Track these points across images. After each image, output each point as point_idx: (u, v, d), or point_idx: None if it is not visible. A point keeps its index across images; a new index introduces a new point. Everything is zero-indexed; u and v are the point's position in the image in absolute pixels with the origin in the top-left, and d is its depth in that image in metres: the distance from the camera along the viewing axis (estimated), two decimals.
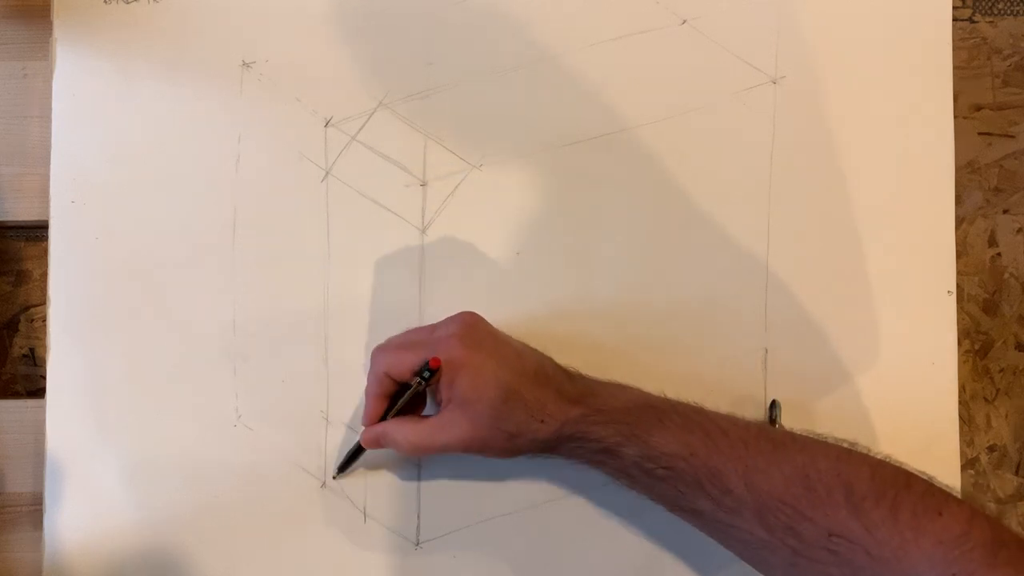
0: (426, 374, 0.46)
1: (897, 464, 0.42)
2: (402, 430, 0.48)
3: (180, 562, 0.52)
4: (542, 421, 0.46)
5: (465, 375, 0.46)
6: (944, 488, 0.41)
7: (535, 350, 0.49)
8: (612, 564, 0.53)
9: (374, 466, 0.53)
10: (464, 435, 0.46)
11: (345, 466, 0.52)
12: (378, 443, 0.49)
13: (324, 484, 0.53)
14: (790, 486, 0.41)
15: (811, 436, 0.45)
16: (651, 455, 0.44)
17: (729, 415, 0.46)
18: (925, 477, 0.42)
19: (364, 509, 0.53)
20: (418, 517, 0.53)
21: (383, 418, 0.49)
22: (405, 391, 0.48)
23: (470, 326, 0.48)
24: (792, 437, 0.44)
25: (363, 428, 0.50)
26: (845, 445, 0.44)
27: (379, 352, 0.49)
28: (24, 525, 0.54)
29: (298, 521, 0.53)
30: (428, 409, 0.51)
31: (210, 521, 0.53)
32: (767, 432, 0.45)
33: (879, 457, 0.43)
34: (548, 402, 0.46)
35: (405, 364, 0.47)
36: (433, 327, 0.50)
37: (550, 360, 0.49)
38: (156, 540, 0.53)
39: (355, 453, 0.52)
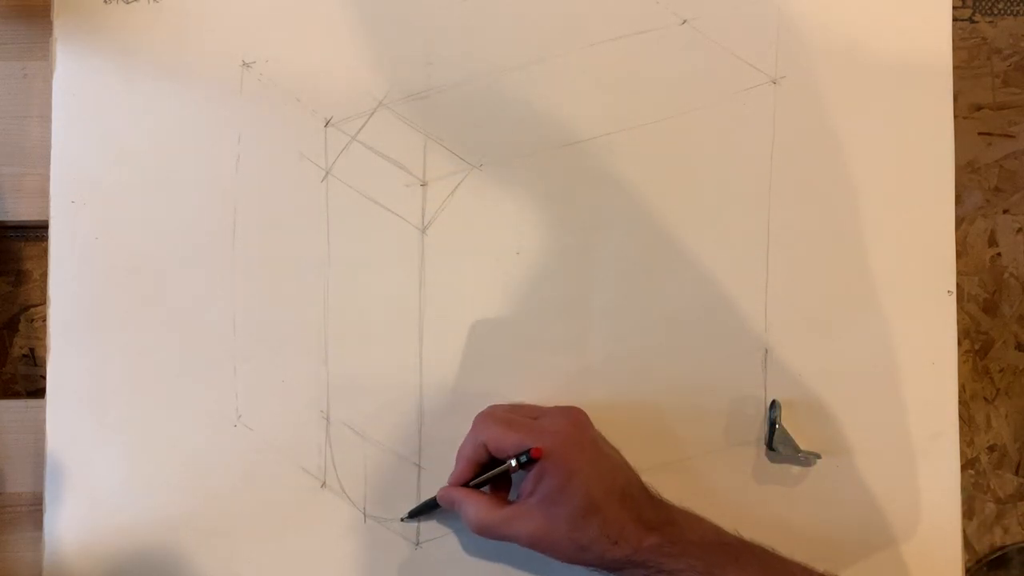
0: (523, 459, 0.46)
1: None
2: (477, 506, 0.48)
3: (180, 562, 0.52)
4: (615, 543, 0.45)
5: (556, 476, 0.45)
6: None
7: (628, 465, 0.49)
8: None
9: (374, 466, 0.53)
10: (534, 532, 0.46)
11: (417, 513, 0.53)
12: (451, 505, 0.50)
13: (324, 484, 0.53)
14: None
15: None
16: None
17: (804, 564, 0.46)
18: None
19: (364, 509, 0.53)
20: (418, 518, 0.53)
21: (468, 483, 0.49)
22: (496, 465, 0.48)
23: (578, 426, 0.48)
24: None
25: (445, 485, 0.50)
26: None
27: (484, 421, 0.49)
28: (24, 525, 0.54)
29: (298, 521, 0.53)
30: (512, 492, 0.51)
31: (210, 521, 0.53)
32: None
33: None
34: (627, 525, 0.45)
35: (506, 442, 0.47)
36: (540, 411, 0.50)
37: (638, 479, 0.48)
38: (156, 540, 0.53)
39: (431, 505, 0.52)
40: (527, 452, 0.46)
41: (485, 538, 0.48)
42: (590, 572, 0.47)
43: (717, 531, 0.47)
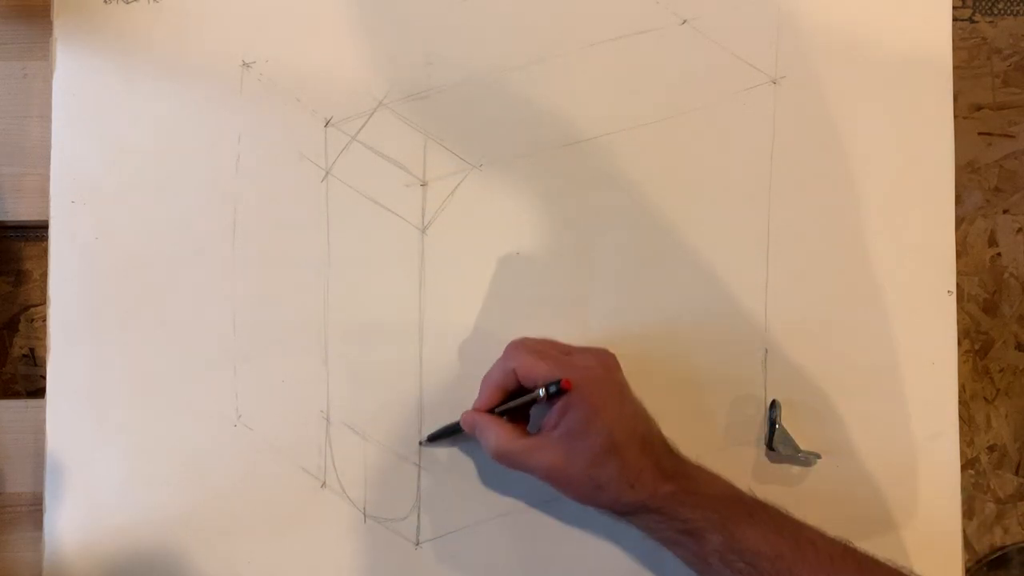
0: (552, 389, 0.46)
1: None
2: (499, 431, 0.48)
3: (180, 562, 0.52)
4: (632, 486, 0.45)
5: (581, 411, 0.45)
6: None
7: (650, 417, 0.49)
8: (612, 564, 0.53)
9: (374, 466, 0.53)
10: (554, 465, 0.46)
11: (437, 437, 0.52)
12: (472, 429, 0.49)
13: (324, 484, 0.53)
14: None
15: (893, 566, 0.44)
16: (736, 548, 0.44)
17: (817, 528, 0.46)
18: None
19: (364, 509, 0.53)
20: (418, 517, 0.53)
21: (492, 410, 0.49)
22: (523, 394, 0.48)
23: (606, 367, 0.48)
24: (877, 563, 0.44)
25: (470, 409, 0.50)
26: None
27: (516, 349, 0.49)
28: (24, 525, 0.54)
29: (298, 521, 0.53)
30: (531, 427, 0.51)
31: (210, 521, 0.53)
32: (853, 553, 0.45)
33: None
34: (645, 470, 0.46)
35: (537, 371, 0.47)
36: (570, 348, 0.50)
37: (659, 431, 0.48)
38: (156, 540, 0.53)
39: (451, 430, 0.51)
40: (557, 382, 0.45)
41: (504, 465, 0.48)
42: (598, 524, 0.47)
43: (733, 488, 0.48)
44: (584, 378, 0.46)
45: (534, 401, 0.47)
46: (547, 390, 0.46)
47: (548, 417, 0.47)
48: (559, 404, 0.46)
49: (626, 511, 0.47)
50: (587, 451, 0.45)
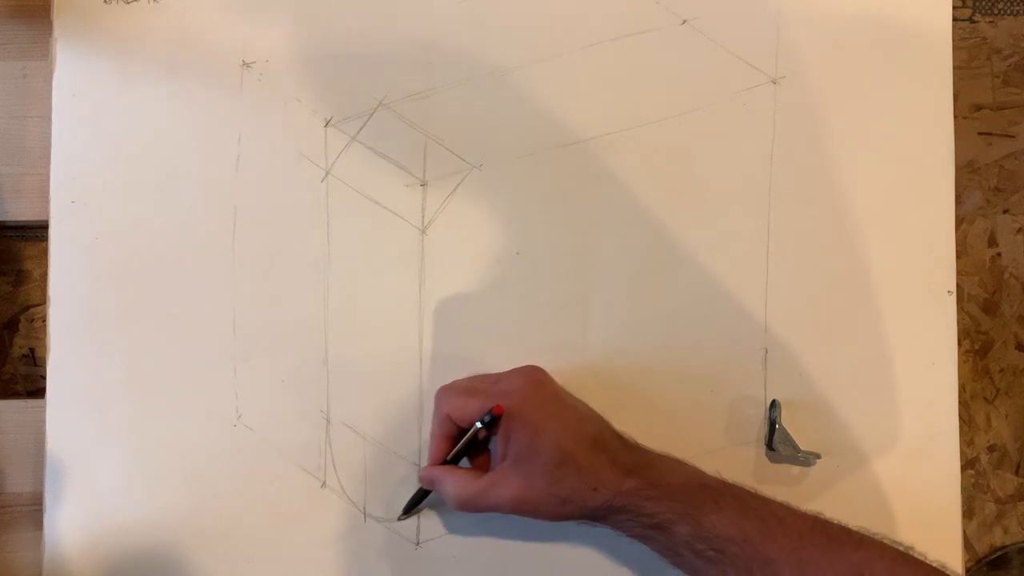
0: (487, 419, 0.46)
1: (953, 575, 0.42)
2: (455, 481, 0.48)
3: (180, 562, 0.52)
4: (595, 489, 0.45)
5: (523, 432, 0.46)
6: None
7: (596, 414, 0.49)
8: (612, 564, 0.53)
9: (374, 466, 0.53)
10: (515, 495, 0.46)
11: (410, 507, 0.52)
12: (431, 485, 0.50)
13: (324, 484, 0.53)
14: None
15: (867, 534, 0.44)
16: (703, 536, 0.44)
17: (786, 504, 0.46)
18: None
19: (364, 509, 0.53)
20: (418, 517, 0.53)
21: (447, 461, 0.49)
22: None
23: (535, 383, 0.48)
24: (848, 533, 0.44)
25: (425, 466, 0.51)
26: (901, 548, 0.43)
27: (443, 394, 0.50)
28: (24, 525, 0.54)
29: (298, 521, 0.53)
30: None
31: (210, 521, 0.53)
32: (823, 525, 0.44)
33: (935, 565, 0.42)
34: (603, 470, 0.45)
35: (468, 409, 0.47)
36: (498, 377, 0.50)
37: (609, 426, 0.48)
38: (156, 540, 0.53)
39: (419, 496, 0.52)
40: (489, 412, 0.46)
41: (470, 512, 0.48)
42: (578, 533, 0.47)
43: (697, 473, 0.47)
44: (515, 401, 0.46)
45: (477, 439, 0.48)
46: (483, 422, 0.46)
47: (496, 450, 0.47)
48: (500, 434, 0.46)
49: (595, 516, 0.46)
50: (541, 470, 0.45)
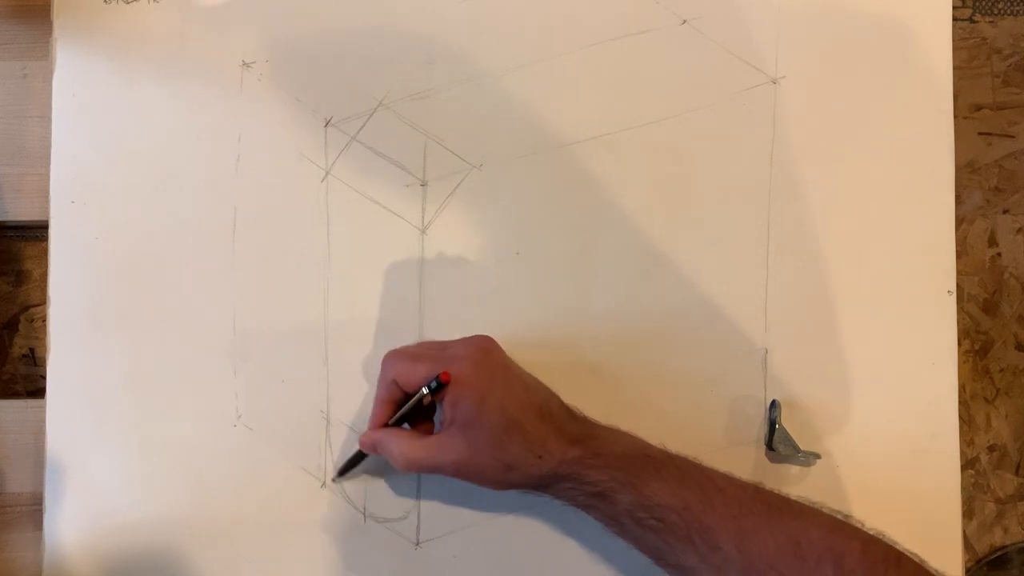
0: (433, 385, 0.46)
1: (890, 542, 0.42)
2: (399, 442, 0.48)
3: (180, 562, 0.52)
4: (540, 457, 0.45)
5: (470, 398, 0.46)
6: (934, 572, 0.41)
7: (543, 386, 0.49)
8: (612, 564, 0.53)
9: (374, 467, 0.53)
10: (459, 458, 0.46)
11: (345, 470, 0.52)
12: (374, 448, 0.49)
13: (324, 484, 0.53)
14: (781, 552, 0.41)
15: (806, 503, 0.45)
16: (644, 504, 0.44)
17: (727, 474, 0.46)
18: (916, 559, 0.42)
19: (364, 509, 0.53)
20: (418, 517, 0.53)
21: (387, 425, 0.49)
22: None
23: (484, 351, 0.48)
24: (787, 502, 0.44)
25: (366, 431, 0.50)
26: (839, 516, 0.44)
27: (390, 359, 0.49)
28: (24, 525, 0.54)
29: (298, 521, 0.53)
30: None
31: (210, 521, 0.53)
32: (763, 495, 0.45)
33: (872, 533, 0.43)
34: (548, 439, 0.46)
35: (415, 374, 0.47)
36: (446, 344, 0.50)
37: (556, 398, 0.49)
38: (156, 540, 0.53)
39: (355, 458, 0.52)
40: (436, 379, 0.46)
41: (414, 473, 0.48)
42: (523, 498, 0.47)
43: (642, 445, 0.48)
44: (463, 367, 0.46)
45: (421, 403, 0.47)
46: (429, 388, 0.46)
47: (443, 416, 0.47)
48: (448, 399, 0.46)
49: (539, 484, 0.47)
50: (487, 436, 0.45)
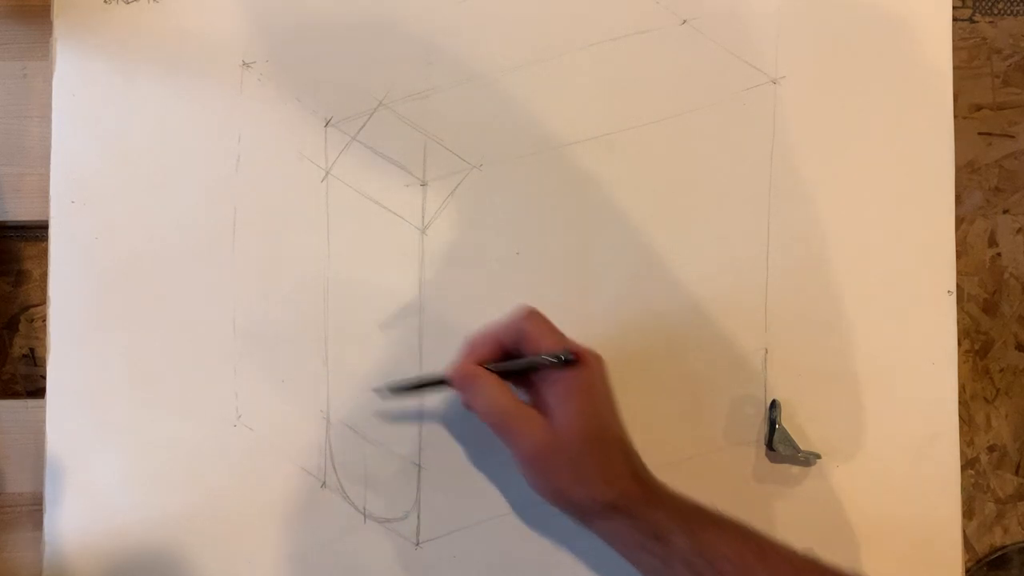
0: (567, 356, 0.44)
1: None
2: (498, 388, 0.45)
3: (180, 562, 0.53)
4: (608, 483, 0.45)
5: (582, 398, 0.45)
6: None
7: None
8: (612, 564, 0.53)
9: (374, 466, 0.53)
10: (543, 441, 0.44)
11: (406, 390, 0.50)
12: (465, 382, 0.46)
13: (324, 484, 0.53)
14: None
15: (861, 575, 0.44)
16: (702, 551, 0.43)
17: (783, 543, 0.45)
18: None
19: (364, 509, 0.53)
20: (418, 517, 0.53)
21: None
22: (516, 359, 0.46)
23: (603, 363, 0.47)
24: (841, 572, 0.44)
25: (462, 362, 0.47)
26: None
27: (532, 312, 0.47)
28: (24, 525, 0.54)
29: (298, 521, 0.53)
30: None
31: (210, 521, 0.53)
32: (819, 563, 0.44)
33: None
34: (622, 469, 0.45)
35: (549, 338, 0.46)
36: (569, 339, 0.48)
37: (632, 443, 0.48)
38: (156, 540, 0.53)
39: (430, 383, 0.49)
40: (567, 351, 0.44)
41: (490, 424, 0.45)
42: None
43: (698, 502, 0.47)
44: (589, 362, 0.46)
45: (531, 368, 0.45)
46: (560, 357, 0.44)
47: (546, 395, 0.46)
48: (561, 385, 0.45)
49: (595, 511, 0.45)
50: (579, 438, 0.44)
